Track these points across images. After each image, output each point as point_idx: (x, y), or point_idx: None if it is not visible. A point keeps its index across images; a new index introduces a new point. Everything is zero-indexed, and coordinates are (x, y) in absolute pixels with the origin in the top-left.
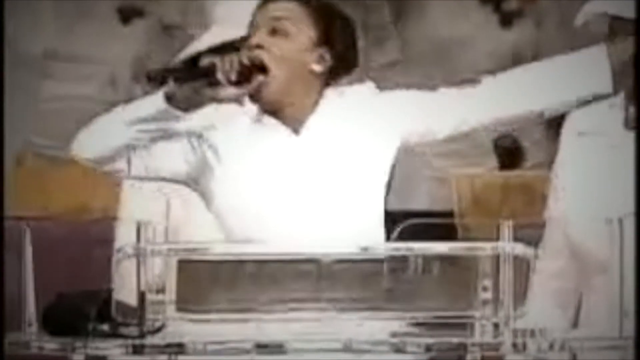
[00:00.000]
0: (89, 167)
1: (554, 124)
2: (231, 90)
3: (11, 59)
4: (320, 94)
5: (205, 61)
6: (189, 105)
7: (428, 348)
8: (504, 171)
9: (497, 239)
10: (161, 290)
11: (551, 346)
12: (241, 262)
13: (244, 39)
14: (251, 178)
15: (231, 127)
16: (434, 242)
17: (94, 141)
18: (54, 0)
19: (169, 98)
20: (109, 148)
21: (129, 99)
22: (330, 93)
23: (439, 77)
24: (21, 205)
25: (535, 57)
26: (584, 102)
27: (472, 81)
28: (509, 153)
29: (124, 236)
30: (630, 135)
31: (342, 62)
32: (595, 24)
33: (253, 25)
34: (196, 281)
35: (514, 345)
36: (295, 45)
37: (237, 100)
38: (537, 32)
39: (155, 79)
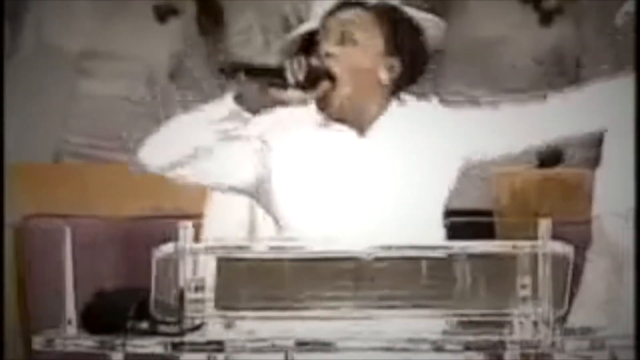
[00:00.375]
0: (127, 167)
1: None
2: (298, 94)
3: (47, 57)
4: (386, 103)
5: (274, 61)
6: (256, 106)
7: (467, 346)
8: (543, 169)
9: (536, 237)
10: (200, 288)
11: (591, 345)
12: (280, 260)
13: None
14: (313, 181)
15: (295, 132)
16: (473, 241)
17: (161, 148)
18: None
19: (237, 99)
20: (178, 154)
21: (165, 99)
22: (395, 104)
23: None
24: (60, 204)
25: (577, 56)
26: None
27: (537, 98)
28: (548, 152)
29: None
30: None
31: (410, 70)
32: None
33: (322, 32)
34: (235, 279)
35: (553, 343)
36: (364, 54)
37: (303, 103)
38: (578, 30)
39: (227, 72)
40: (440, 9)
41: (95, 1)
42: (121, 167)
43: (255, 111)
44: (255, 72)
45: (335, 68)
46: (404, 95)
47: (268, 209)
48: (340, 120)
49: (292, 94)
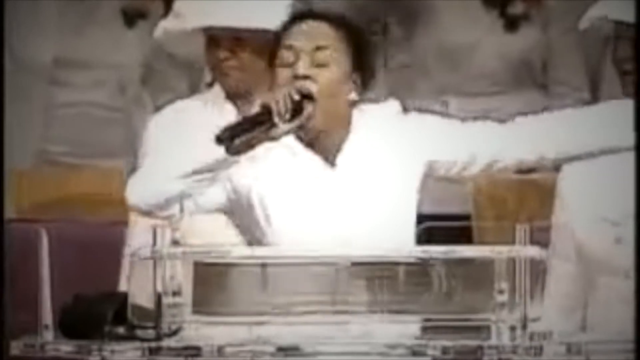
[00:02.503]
0: (103, 173)
1: None
2: (285, 127)
3: (20, 69)
4: (351, 121)
5: (258, 105)
6: (245, 149)
7: (445, 351)
8: (519, 174)
9: (513, 242)
10: (177, 293)
11: (568, 349)
12: (257, 266)
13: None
14: (290, 192)
15: (269, 159)
16: (450, 245)
17: (147, 191)
18: (58, 7)
19: (227, 148)
20: (163, 198)
21: (138, 103)
22: (356, 113)
23: (446, 84)
24: (37, 209)
25: (544, 62)
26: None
27: (502, 120)
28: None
29: (139, 239)
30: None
31: (368, 82)
32: (600, 28)
33: (292, 50)
34: (212, 284)
35: (530, 348)
36: (334, 76)
37: (288, 134)
38: (544, 35)
39: (225, 139)
40: (407, 17)
41: (62, 10)
42: (98, 172)
43: (243, 153)
44: (248, 127)
45: (314, 89)
46: (362, 105)
47: (244, 226)
48: (313, 141)
49: (280, 130)
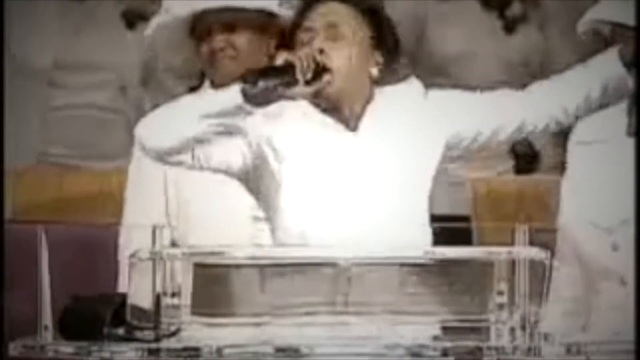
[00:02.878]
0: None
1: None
2: (304, 89)
3: (20, 73)
4: (372, 95)
5: (282, 60)
6: (263, 101)
7: (444, 352)
8: (519, 175)
9: (513, 243)
10: (177, 293)
11: (568, 350)
12: (257, 267)
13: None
14: (304, 176)
15: (288, 123)
16: (451, 247)
17: (160, 131)
18: (58, 9)
19: (245, 94)
20: (177, 139)
21: (138, 105)
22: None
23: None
24: (36, 210)
25: (543, 63)
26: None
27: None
28: (525, 158)
29: (139, 240)
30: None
31: (390, 62)
32: (598, 30)
33: (308, 29)
34: (211, 285)
35: (530, 349)
36: (354, 49)
37: (307, 97)
38: (542, 37)
39: (250, 81)
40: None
41: (62, 12)
42: (97, 173)
43: (260, 105)
44: (271, 75)
45: (330, 62)
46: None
47: (257, 189)
48: (332, 111)
49: (300, 89)
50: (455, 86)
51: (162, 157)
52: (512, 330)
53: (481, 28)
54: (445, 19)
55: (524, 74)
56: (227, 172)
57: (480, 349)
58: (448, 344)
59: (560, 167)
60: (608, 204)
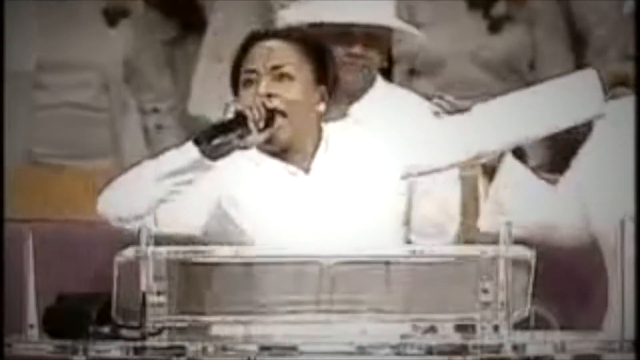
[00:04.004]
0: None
1: None
2: (257, 137)
3: (4, 76)
4: (320, 133)
5: (233, 111)
6: (219, 154)
7: (429, 350)
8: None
9: (497, 241)
10: (162, 292)
11: (554, 348)
12: (242, 265)
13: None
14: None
15: (240, 171)
16: (435, 245)
17: (120, 201)
18: (38, 9)
19: (202, 150)
20: (138, 206)
21: (122, 103)
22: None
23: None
24: (21, 208)
25: (531, 62)
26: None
27: (465, 110)
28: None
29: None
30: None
31: (334, 93)
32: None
33: (254, 72)
34: (197, 283)
35: (515, 347)
36: (301, 88)
37: (261, 143)
38: (529, 35)
39: (204, 140)
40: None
41: (43, 12)
42: (82, 172)
43: (217, 158)
44: (224, 129)
45: (281, 104)
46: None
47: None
48: (283, 153)
49: (253, 138)
50: (438, 88)
51: (125, 224)
52: (497, 328)
53: (465, 27)
54: (430, 15)
55: (509, 74)
56: (188, 238)
57: (465, 347)
58: (433, 342)
59: (547, 164)
60: (608, 204)
